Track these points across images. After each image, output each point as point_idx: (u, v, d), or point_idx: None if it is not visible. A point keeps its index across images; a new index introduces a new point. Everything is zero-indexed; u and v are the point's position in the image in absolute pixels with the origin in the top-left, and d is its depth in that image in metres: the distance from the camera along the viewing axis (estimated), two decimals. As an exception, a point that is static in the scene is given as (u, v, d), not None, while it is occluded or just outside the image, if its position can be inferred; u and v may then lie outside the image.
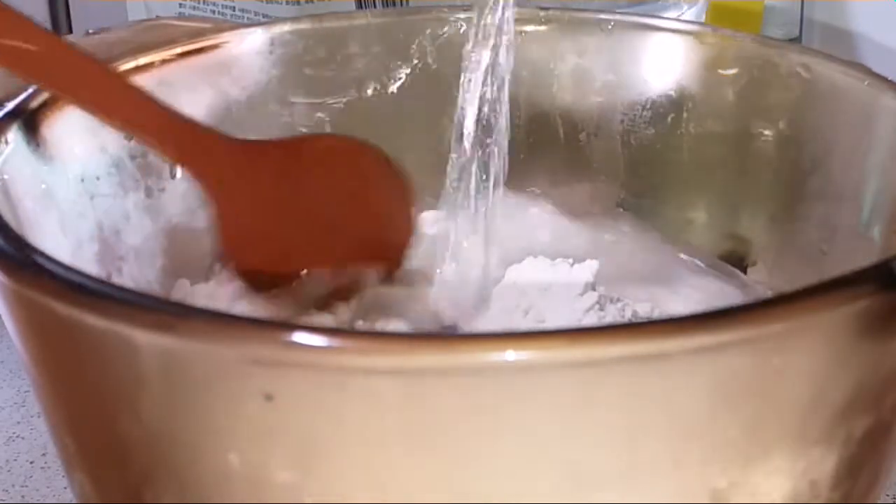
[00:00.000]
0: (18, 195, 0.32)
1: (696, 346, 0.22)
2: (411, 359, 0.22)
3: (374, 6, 0.63)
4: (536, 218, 0.43)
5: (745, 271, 0.41)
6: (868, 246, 0.35)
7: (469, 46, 0.38)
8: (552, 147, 0.45)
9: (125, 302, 0.23)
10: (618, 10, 0.44)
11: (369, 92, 0.44)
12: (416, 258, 0.40)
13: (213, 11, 0.64)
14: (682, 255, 0.43)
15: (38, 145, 0.34)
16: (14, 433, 0.44)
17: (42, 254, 0.25)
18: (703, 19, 0.59)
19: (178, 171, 0.40)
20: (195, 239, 0.41)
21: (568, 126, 0.45)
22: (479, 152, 0.39)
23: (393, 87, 0.44)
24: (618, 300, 0.41)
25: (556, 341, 0.22)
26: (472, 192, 0.39)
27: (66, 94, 0.33)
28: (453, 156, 0.39)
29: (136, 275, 0.38)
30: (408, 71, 0.44)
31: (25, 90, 0.34)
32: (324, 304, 0.37)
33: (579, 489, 0.23)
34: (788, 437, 0.24)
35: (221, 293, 0.37)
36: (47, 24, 0.81)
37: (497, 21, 0.38)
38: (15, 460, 0.43)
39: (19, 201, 0.31)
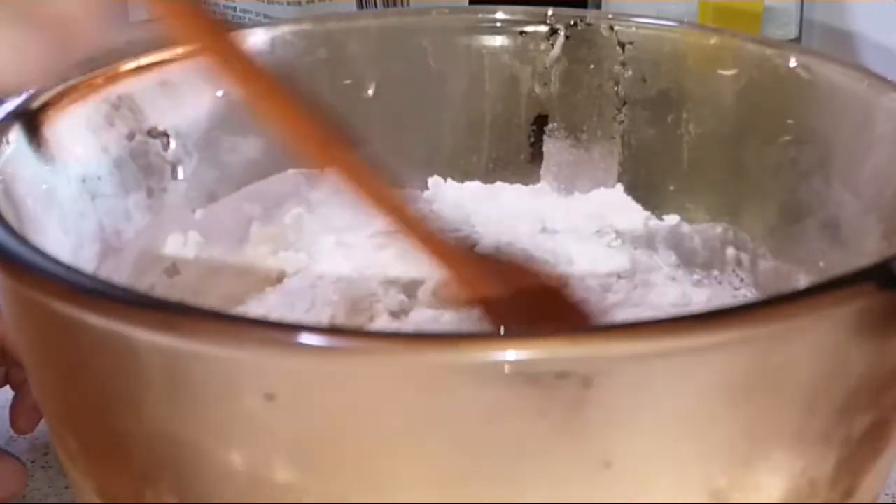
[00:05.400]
0: (20, 195, 0.32)
1: (696, 346, 0.22)
2: (412, 359, 0.22)
3: (375, 7, 0.63)
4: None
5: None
6: (868, 246, 0.35)
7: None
8: (554, 146, 0.45)
9: (126, 302, 0.23)
10: (620, 12, 0.44)
11: (370, 92, 0.44)
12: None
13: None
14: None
15: (39, 145, 0.34)
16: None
17: (43, 254, 0.25)
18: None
19: (180, 172, 0.40)
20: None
21: (569, 126, 0.45)
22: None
23: (393, 87, 0.44)
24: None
25: (556, 341, 0.22)
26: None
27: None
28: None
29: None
30: (408, 71, 0.44)
31: (27, 90, 0.34)
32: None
33: (579, 487, 0.23)
34: (788, 436, 0.24)
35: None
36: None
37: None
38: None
39: (21, 201, 0.31)
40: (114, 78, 0.38)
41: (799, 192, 0.39)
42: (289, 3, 0.62)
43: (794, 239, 0.39)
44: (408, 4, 0.63)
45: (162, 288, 0.39)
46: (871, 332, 0.24)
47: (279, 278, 0.43)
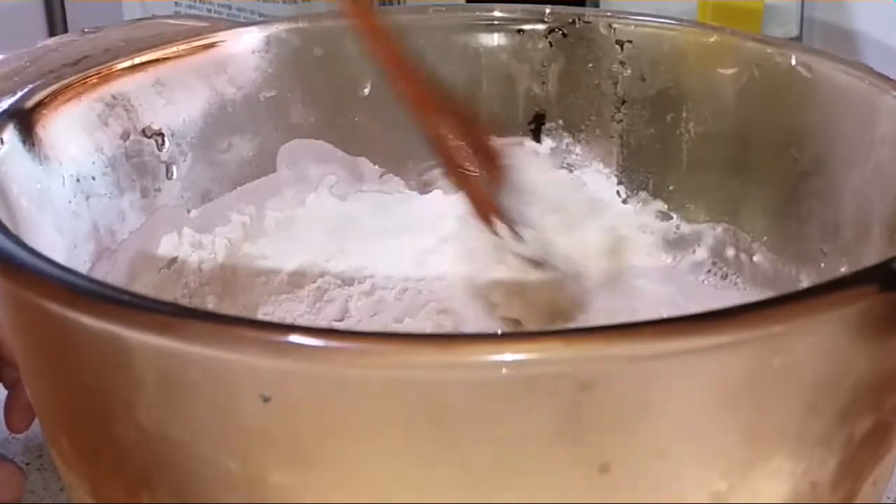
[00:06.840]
0: (14, 195, 0.31)
1: (696, 347, 0.22)
2: (408, 359, 0.22)
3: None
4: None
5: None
6: (868, 246, 0.34)
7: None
8: (553, 145, 0.45)
9: (121, 303, 0.23)
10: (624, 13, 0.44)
11: (366, 91, 0.44)
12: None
13: (210, 10, 0.64)
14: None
15: (33, 145, 0.34)
16: (10, 434, 0.44)
17: (38, 254, 0.25)
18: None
19: (174, 172, 0.40)
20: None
21: (567, 125, 0.45)
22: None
23: (389, 86, 0.44)
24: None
25: (554, 342, 0.22)
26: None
27: None
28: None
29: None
30: (405, 70, 0.44)
31: (22, 89, 0.34)
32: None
33: (576, 490, 0.23)
34: (789, 438, 0.24)
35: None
36: (43, 23, 0.80)
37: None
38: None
39: (15, 201, 0.31)
40: (108, 77, 0.37)
41: (799, 192, 0.39)
42: (284, 1, 0.62)
43: (795, 239, 0.39)
44: (405, 2, 0.63)
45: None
46: (872, 333, 0.23)
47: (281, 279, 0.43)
